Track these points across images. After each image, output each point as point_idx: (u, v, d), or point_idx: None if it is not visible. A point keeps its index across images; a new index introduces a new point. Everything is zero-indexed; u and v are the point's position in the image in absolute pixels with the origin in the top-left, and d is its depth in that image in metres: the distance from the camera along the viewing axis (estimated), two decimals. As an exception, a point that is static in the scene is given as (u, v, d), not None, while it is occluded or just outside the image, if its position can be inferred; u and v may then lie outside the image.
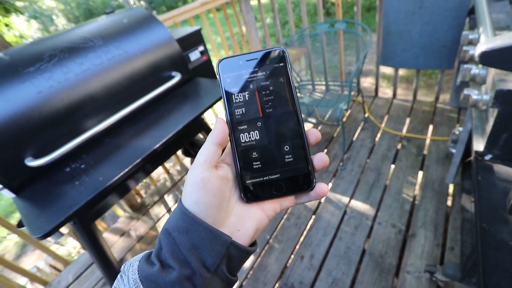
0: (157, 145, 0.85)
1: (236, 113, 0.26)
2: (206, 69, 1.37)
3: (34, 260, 2.08)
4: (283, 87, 0.26)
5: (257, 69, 0.26)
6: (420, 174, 1.35)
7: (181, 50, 1.16)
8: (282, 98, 0.26)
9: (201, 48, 1.37)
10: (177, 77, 1.09)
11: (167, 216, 1.56)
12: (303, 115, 2.07)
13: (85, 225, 0.91)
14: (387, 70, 3.15)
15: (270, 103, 0.26)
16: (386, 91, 2.69)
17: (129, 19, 1.09)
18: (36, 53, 0.88)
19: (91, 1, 10.95)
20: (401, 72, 3.02)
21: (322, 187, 0.26)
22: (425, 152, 1.47)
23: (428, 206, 1.19)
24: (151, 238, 1.45)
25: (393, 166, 1.44)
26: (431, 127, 1.61)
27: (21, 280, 1.47)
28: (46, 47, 0.91)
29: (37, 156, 0.80)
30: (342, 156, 1.53)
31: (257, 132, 0.26)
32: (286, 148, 0.26)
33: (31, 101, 0.81)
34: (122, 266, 0.23)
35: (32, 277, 1.32)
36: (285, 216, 1.32)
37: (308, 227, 1.25)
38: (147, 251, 0.24)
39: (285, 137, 0.26)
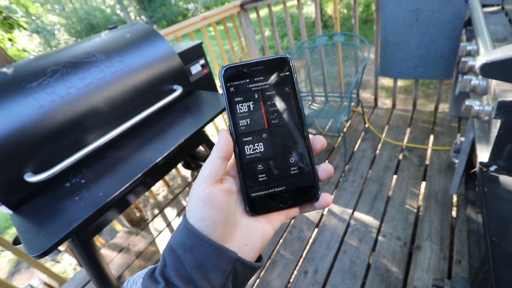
0: (159, 159, 0.85)
1: (240, 124, 0.25)
2: (207, 82, 1.39)
3: (28, 278, 2.03)
4: (289, 97, 0.25)
5: (262, 77, 0.25)
6: (423, 184, 1.34)
7: (183, 64, 1.18)
8: (288, 108, 0.25)
9: (202, 61, 1.39)
10: (178, 91, 1.10)
11: (167, 230, 1.53)
12: (303, 126, 2.07)
13: (83, 242, 0.89)
14: (385, 80, 3.19)
15: (275, 114, 0.25)
16: (385, 102, 2.71)
17: (132, 34, 1.11)
18: (39, 68, 0.89)
19: (92, 16, 11.21)
20: (400, 82, 3.06)
21: (326, 198, 0.26)
22: (427, 162, 1.46)
23: (433, 217, 1.17)
24: (150, 253, 1.42)
25: (395, 176, 1.43)
26: (432, 137, 1.61)
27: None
28: (49, 62, 0.92)
29: (36, 171, 0.80)
30: (344, 167, 1.52)
31: (262, 144, 0.25)
32: (292, 160, 0.25)
33: (32, 116, 0.81)
34: (125, 283, 0.23)
35: (28, 296, 1.28)
36: (287, 230, 1.30)
37: (311, 240, 1.23)
38: (150, 267, 0.23)
39: (291, 149, 0.25)
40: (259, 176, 0.25)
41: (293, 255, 1.18)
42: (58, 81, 0.89)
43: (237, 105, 0.25)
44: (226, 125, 2.30)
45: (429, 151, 1.52)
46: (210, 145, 1.30)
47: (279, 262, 1.17)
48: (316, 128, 1.98)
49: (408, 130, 1.72)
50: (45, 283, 1.49)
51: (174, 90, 1.11)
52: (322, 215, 1.33)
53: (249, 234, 0.24)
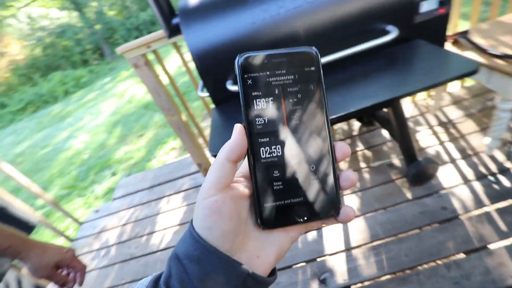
0: (335, 116, 0.74)
1: (257, 123, 0.22)
2: (437, 29, 0.98)
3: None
4: (313, 96, 0.22)
5: (284, 71, 0.22)
6: None
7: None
8: (311, 108, 0.22)
9: (445, -6, 0.97)
10: (392, 34, 0.84)
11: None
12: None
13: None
14: None
15: (297, 114, 0.22)
16: None
17: None
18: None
19: None
20: None
21: (349, 212, 0.23)
22: None
23: None
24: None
25: None
26: None
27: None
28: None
29: (234, 82, 0.91)
30: None
31: (279, 147, 0.22)
32: (312, 167, 0.22)
33: (245, 30, 0.87)
34: None
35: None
36: (441, 261, 0.96)
37: (475, 296, 0.86)
38: (155, 274, 0.23)
39: (312, 154, 0.22)
40: (274, 183, 0.22)
41: (435, 292, 0.89)
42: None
43: (254, 100, 0.22)
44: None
45: None
46: (397, 111, 1.03)
47: (412, 286, 0.93)
48: None
49: None
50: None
51: (386, 32, 0.86)
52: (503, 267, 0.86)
53: (263, 246, 0.22)
